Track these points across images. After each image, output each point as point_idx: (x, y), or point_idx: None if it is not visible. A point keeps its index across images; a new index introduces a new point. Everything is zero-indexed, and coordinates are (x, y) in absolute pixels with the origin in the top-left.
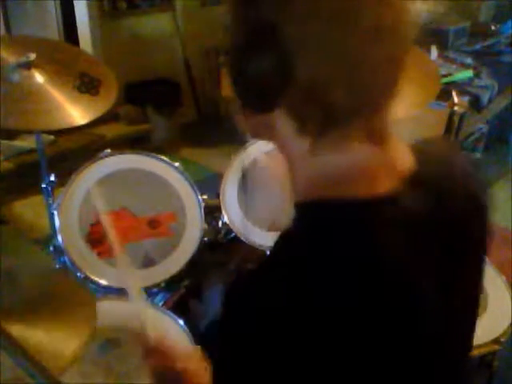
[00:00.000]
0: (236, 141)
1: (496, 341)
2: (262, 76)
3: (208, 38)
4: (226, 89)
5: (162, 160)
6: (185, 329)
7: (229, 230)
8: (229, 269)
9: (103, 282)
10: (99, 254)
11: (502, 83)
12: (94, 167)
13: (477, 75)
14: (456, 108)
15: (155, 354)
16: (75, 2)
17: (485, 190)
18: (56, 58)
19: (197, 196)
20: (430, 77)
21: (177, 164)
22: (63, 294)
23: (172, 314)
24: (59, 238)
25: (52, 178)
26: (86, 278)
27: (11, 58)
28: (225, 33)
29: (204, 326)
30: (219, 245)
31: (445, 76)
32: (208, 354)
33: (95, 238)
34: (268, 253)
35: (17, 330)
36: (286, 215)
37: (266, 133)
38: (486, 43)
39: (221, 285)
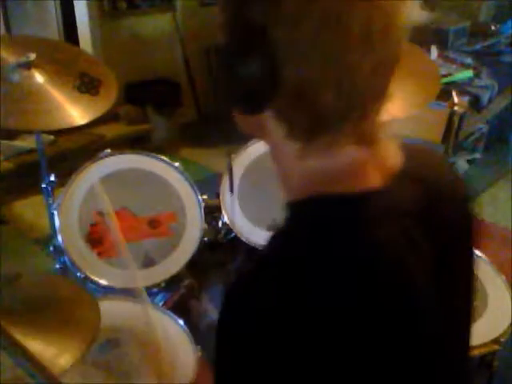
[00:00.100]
0: (236, 141)
1: (496, 341)
2: (250, 78)
3: (208, 37)
4: None
5: (162, 160)
6: (185, 329)
7: (229, 230)
8: (229, 269)
9: (103, 282)
10: (99, 254)
11: (502, 83)
12: (93, 167)
13: (477, 75)
14: (456, 108)
15: None
16: (75, 2)
17: (467, 187)
18: (56, 58)
19: (197, 196)
20: (430, 77)
21: (177, 164)
22: (66, 299)
23: (172, 314)
24: (59, 238)
25: (52, 178)
26: (86, 278)
27: (11, 58)
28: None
29: (204, 325)
30: (219, 245)
31: (445, 76)
32: (208, 354)
33: (95, 238)
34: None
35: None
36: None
37: (258, 132)
38: (486, 43)
39: (221, 285)
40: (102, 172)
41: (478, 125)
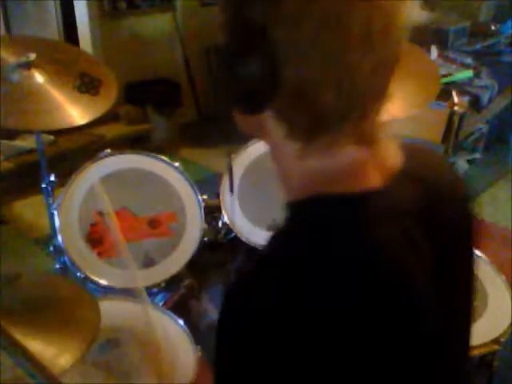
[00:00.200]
0: (236, 141)
1: (496, 341)
2: (250, 78)
3: (208, 37)
4: None
5: (162, 160)
6: (185, 329)
7: (229, 230)
8: (229, 269)
9: (103, 282)
10: (99, 254)
11: (502, 83)
12: (94, 167)
13: (477, 75)
14: (456, 108)
15: None
16: (75, 2)
17: (467, 187)
18: (56, 58)
19: (197, 196)
20: (430, 77)
21: (177, 164)
22: (66, 303)
23: (172, 314)
24: (59, 238)
25: (52, 178)
26: (86, 278)
27: (11, 58)
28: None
29: (204, 325)
30: (219, 245)
31: (445, 76)
32: (208, 354)
33: (95, 238)
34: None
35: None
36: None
37: (258, 132)
38: (486, 43)
39: (221, 285)
40: (102, 172)
41: (478, 125)
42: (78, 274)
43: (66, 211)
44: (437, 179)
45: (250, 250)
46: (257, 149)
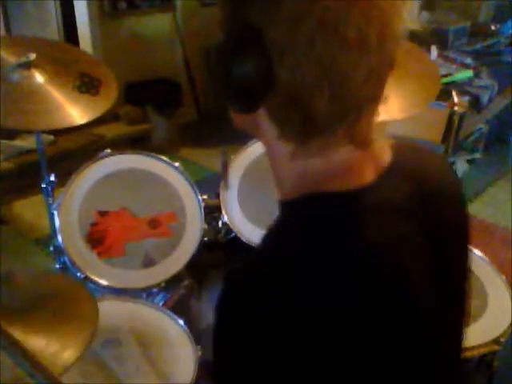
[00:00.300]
0: (236, 141)
1: (496, 341)
2: (244, 78)
3: (208, 37)
4: None
5: (162, 160)
6: (185, 329)
7: (229, 230)
8: (230, 269)
9: (103, 282)
10: (99, 254)
11: (502, 83)
12: (94, 167)
13: (477, 75)
14: (456, 108)
15: None
16: (75, 2)
17: (461, 184)
18: (56, 58)
19: (197, 196)
20: (430, 77)
21: (177, 164)
22: (64, 297)
23: (172, 314)
24: (59, 237)
25: (52, 178)
26: (86, 278)
27: (11, 58)
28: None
29: (204, 325)
30: (219, 245)
31: (445, 76)
32: (208, 354)
33: (95, 238)
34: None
35: (16, 332)
36: None
37: (253, 131)
38: (486, 43)
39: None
40: (102, 172)
41: (478, 125)
42: (78, 274)
43: (66, 211)
44: (431, 177)
45: (250, 250)
46: (257, 149)
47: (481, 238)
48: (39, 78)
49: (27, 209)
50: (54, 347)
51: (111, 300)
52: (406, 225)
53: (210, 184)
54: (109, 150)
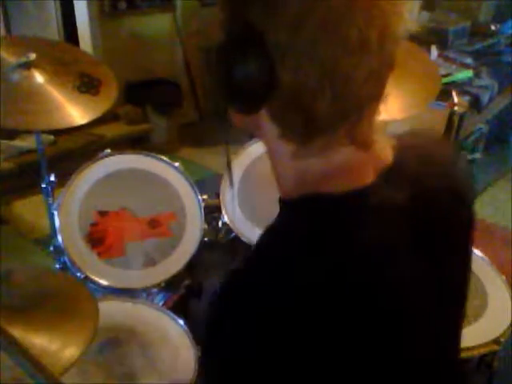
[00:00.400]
0: (236, 141)
1: (496, 341)
2: (246, 79)
3: (208, 38)
4: None
5: (162, 160)
6: (185, 329)
7: (229, 230)
8: (229, 269)
9: (103, 282)
10: (99, 254)
11: (502, 83)
12: (94, 167)
13: (477, 75)
14: (456, 108)
15: None
16: (75, 2)
17: (468, 183)
18: (56, 58)
19: (197, 196)
20: (430, 77)
21: (177, 164)
22: (64, 295)
23: (172, 314)
24: (59, 237)
25: (52, 178)
26: (86, 278)
27: (11, 58)
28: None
29: (204, 326)
30: (219, 245)
31: (445, 76)
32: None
33: (95, 238)
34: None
35: (17, 330)
36: None
37: (254, 131)
38: (486, 43)
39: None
40: (102, 172)
41: (478, 125)
42: (78, 274)
43: (66, 211)
44: (433, 177)
45: (250, 249)
46: (257, 149)
47: (481, 237)
48: (39, 78)
49: (27, 209)
50: (55, 345)
51: (111, 300)
52: (406, 225)
53: (210, 184)
54: (109, 150)
